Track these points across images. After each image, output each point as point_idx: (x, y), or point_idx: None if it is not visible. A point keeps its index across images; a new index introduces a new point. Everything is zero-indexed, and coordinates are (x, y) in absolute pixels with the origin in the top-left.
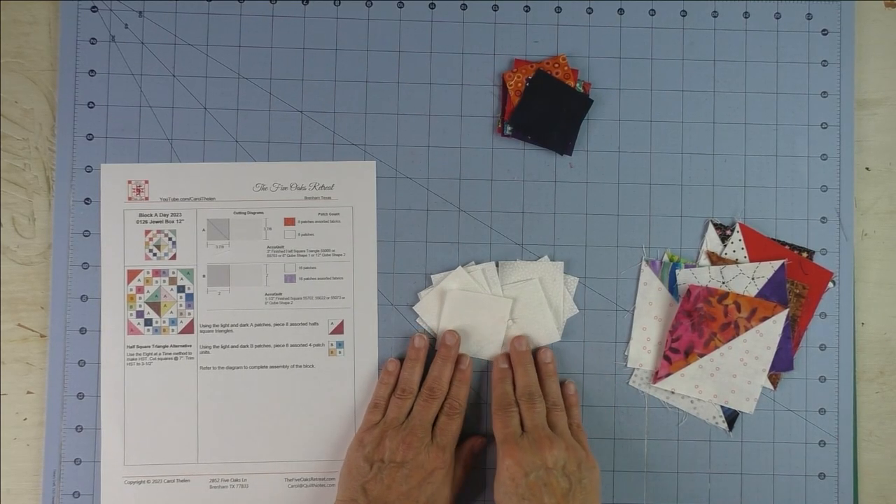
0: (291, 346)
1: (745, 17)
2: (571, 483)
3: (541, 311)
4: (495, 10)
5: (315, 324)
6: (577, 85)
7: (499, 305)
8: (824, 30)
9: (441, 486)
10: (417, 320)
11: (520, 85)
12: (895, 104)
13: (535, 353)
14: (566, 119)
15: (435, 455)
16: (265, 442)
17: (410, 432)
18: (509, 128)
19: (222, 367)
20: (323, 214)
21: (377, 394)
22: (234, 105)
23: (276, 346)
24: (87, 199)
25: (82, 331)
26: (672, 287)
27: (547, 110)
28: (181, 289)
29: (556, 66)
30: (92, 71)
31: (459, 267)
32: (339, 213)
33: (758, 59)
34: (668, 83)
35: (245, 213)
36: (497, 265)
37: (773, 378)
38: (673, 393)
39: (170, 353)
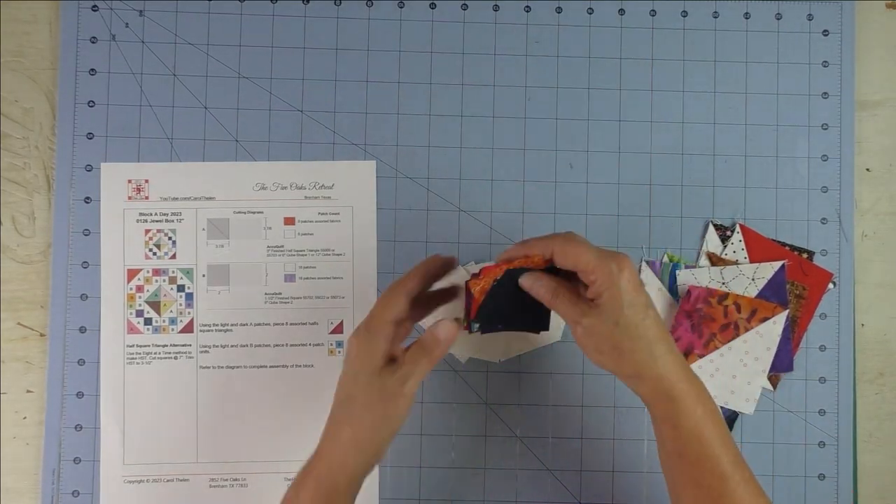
0: (291, 345)
1: (746, 18)
2: None
3: None
4: (495, 10)
5: (315, 324)
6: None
7: None
8: (825, 31)
9: (360, 368)
10: None
11: (486, 286)
12: (895, 105)
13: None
14: (534, 307)
15: (352, 337)
16: (265, 442)
17: (361, 323)
18: (476, 325)
19: (222, 367)
20: (323, 214)
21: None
22: (234, 105)
23: (276, 345)
24: (88, 198)
25: (82, 330)
26: (672, 288)
27: (514, 301)
28: (181, 288)
29: (532, 264)
30: (92, 70)
31: (459, 266)
32: (339, 213)
33: (758, 60)
34: (668, 83)
35: (245, 213)
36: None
37: (773, 379)
38: None
39: (169, 353)
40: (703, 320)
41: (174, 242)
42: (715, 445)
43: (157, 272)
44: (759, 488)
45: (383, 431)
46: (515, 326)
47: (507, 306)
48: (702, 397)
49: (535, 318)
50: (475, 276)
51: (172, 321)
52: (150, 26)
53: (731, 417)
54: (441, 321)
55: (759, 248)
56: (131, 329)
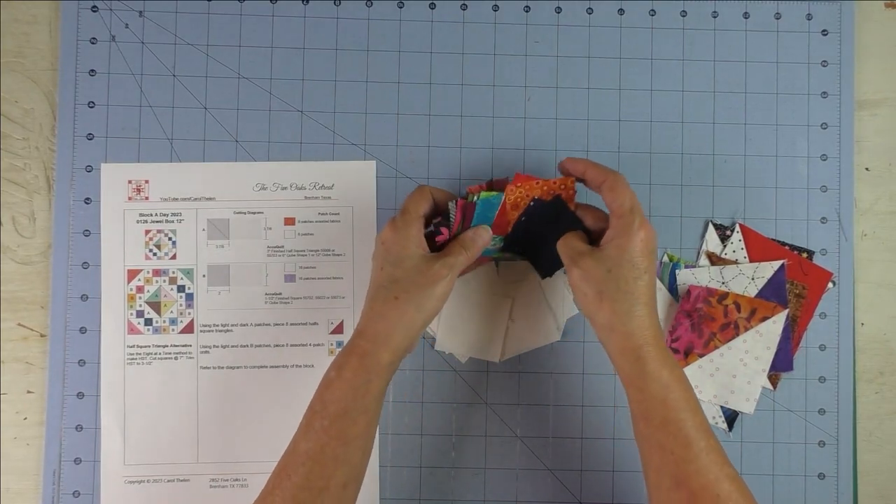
0: (291, 346)
1: (745, 18)
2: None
3: (540, 311)
4: (495, 10)
5: (315, 324)
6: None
7: (499, 305)
8: (824, 30)
9: (401, 250)
10: None
11: (519, 200)
12: (895, 105)
13: (561, 165)
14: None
15: (387, 224)
16: (265, 442)
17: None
18: (500, 241)
19: (222, 367)
20: (323, 214)
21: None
22: (234, 105)
23: (276, 345)
24: (88, 198)
25: (82, 330)
26: (672, 287)
27: (546, 234)
28: (181, 288)
29: (563, 187)
30: (92, 71)
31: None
32: (339, 213)
33: (758, 60)
34: (668, 83)
35: (245, 213)
36: (497, 265)
37: (773, 378)
38: None
39: (170, 353)
40: (703, 320)
41: (174, 243)
42: (680, 409)
43: (157, 272)
44: (724, 457)
45: (428, 311)
46: (531, 257)
47: (533, 234)
48: (668, 362)
49: (549, 260)
50: (495, 183)
51: (173, 321)
52: (150, 27)
53: (732, 417)
54: (478, 227)
55: (758, 248)
56: (131, 329)
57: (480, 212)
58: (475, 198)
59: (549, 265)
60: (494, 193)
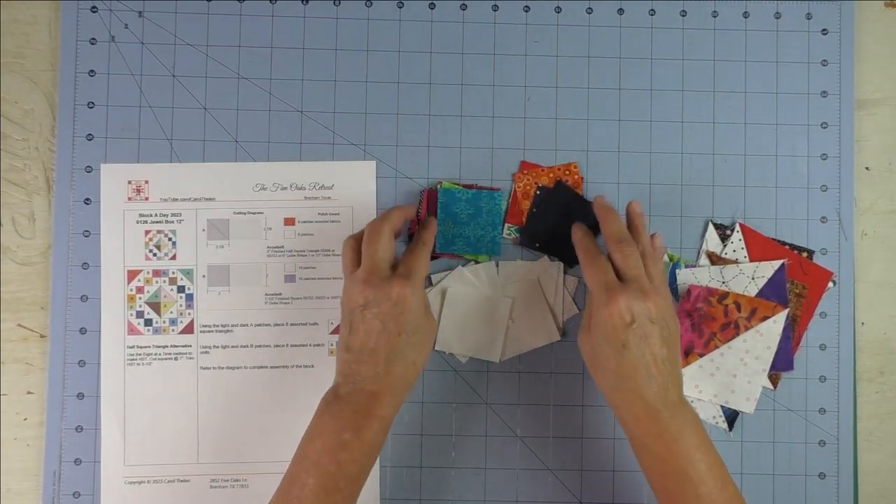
0: (291, 346)
1: (745, 17)
2: (668, 338)
3: (540, 311)
4: (495, 10)
5: (315, 324)
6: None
7: (498, 305)
8: (824, 29)
9: (417, 314)
10: None
11: (528, 189)
12: (895, 104)
13: (627, 206)
14: None
15: (397, 283)
16: (265, 442)
17: (366, 271)
18: (514, 231)
19: (222, 368)
20: (323, 214)
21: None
22: (234, 105)
23: (276, 346)
24: (87, 199)
25: (82, 331)
26: (672, 287)
27: (560, 222)
28: (181, 289)
29: (567, 173)
30: (92, 71)
31: (459, 266)
32: (339, 213)
33: (757, 59)
34: (668, 83)
35: (245, 213)
36: (497, 265)
37: (773, 378)
38: None
39: (170, 354)
40: (704, 319)
41: (174, 243)
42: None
43: (157, 273)
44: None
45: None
46: (551, 251)
47: (549, 231)
48: (664, 436)
49: (571, 251)
50: (519, 173)
51: (173, 322)
52: (150, 27)
53: (732, 416)
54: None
55: (758, 247)
56: (132, 330)
57: (444, 202)
58: (438, 186)
59: (571, 255)
60: (458, 187)
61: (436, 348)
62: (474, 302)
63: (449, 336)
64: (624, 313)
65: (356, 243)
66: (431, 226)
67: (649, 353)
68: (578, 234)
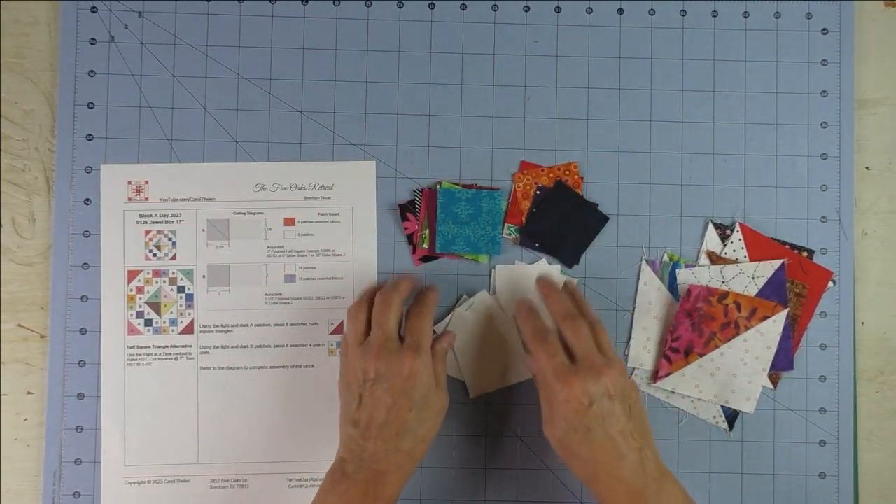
0: (291, 346)
1: (745, 17)
2: (630, 408)
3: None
4: (495, 10)
5: (315, 324)
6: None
7: (507, 336)
8: (824, 29)
9: (428, 388)
10: None
11: (528, 189)
12: (895, 103)
13: (563, 285)
14: (579, 233)
15: (409, 356)
16: (265, 442)
17: (378, 344)
18: (514, 231)
19: (222, 368)
20: (323, 214)
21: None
22: (234, 105)
23: (276, 346)
24: (87, 199)
25: (82, 331)
26: (672, 287)
27: (559, 222)
28: (181, 289)
29: (567, 173)
30: (92, 71)
31: (456, 309)
32: (339, 213)
33: (757, 59)
34: (668, 83)
35: (245, 213)
36: (494, 268)
37: (774, 377)
38: (673, 392)
39: (170, 354)
40: (704, 319)
41: (174, 243)
42: None
43: (157, 273)
44: None
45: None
46: (551, 252)
47: (549, 231)
48: None
49: (572, 252)
50: (519, 173)
51: (173, 322)
52: (150, 27)
53: (732, 416)
54: (443, 334)
55: (758, 247)
56: (132, 330)
57: (444, 202)
58: (438, 186)
59: (570, 255)
60: (458, 187)
61: (451, 373)
62: (481, 337)
63: (474, 378)
64: (581, 397)
65: (364, 314)
66: (434, 289)
67: (616, 431)
68: (524, 311)
